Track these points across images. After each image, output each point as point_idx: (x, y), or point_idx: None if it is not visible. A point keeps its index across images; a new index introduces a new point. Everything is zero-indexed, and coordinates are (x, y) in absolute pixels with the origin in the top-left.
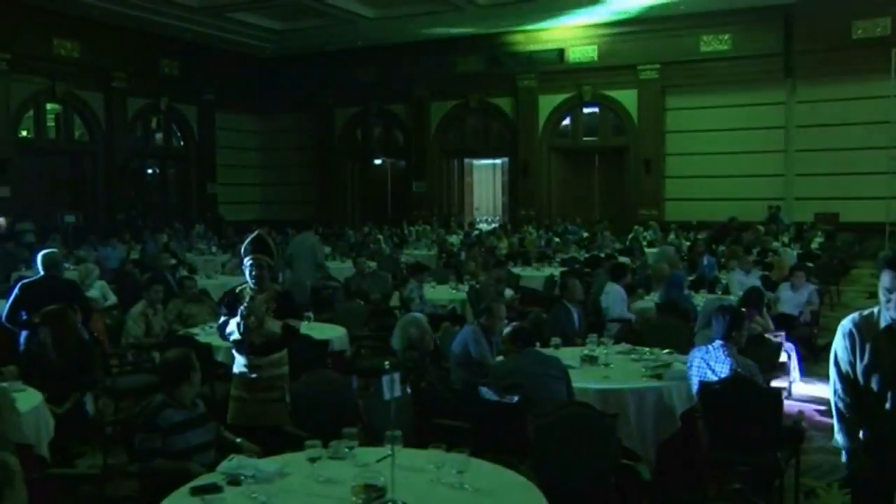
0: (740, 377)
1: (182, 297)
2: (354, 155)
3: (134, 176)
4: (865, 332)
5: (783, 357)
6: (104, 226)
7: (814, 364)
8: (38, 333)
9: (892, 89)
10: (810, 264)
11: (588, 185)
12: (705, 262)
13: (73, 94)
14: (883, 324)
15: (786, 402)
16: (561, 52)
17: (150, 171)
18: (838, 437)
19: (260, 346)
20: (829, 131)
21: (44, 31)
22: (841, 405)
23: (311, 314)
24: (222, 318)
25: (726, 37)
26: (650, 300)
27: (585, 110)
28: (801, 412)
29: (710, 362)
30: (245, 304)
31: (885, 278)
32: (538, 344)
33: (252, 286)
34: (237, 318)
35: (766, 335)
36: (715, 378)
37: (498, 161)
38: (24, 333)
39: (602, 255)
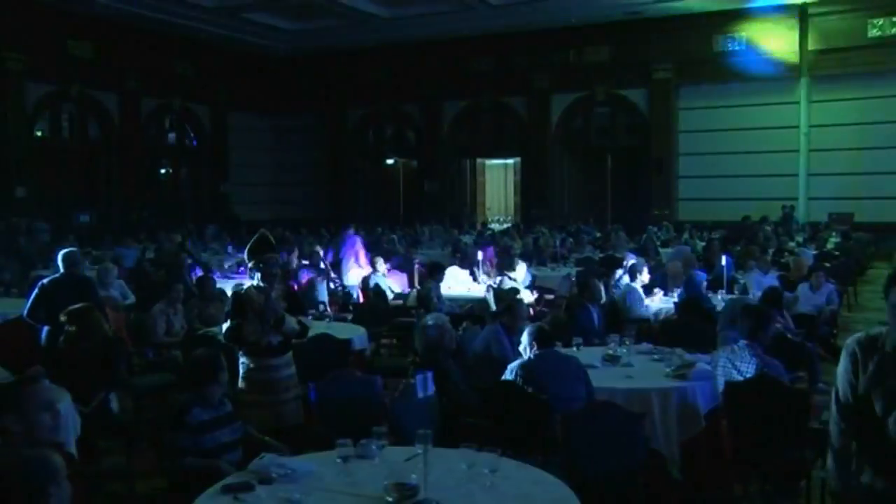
0: (767, 377)
1: (201, 296)
2: (366, 154)
3: (147, 176)
4: (869, 352)
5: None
6: (118, 225)
7: (833, 365)
8: (59, 329)
9: None
10: (827, 264)
11: (600, 185)
12: (723, 261)
13: (88, 94)
14: (890, 346)
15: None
16: (573, 51)
17: (162, 170)
18: (829, 464)
19: (277, 345)
20: (843, 130)
21: (58, 32)
22: (835, 430)
23: (330, 313)
24: (231, 323)
25: (740, 36)
26: (668, 300)
27: (598, 110)
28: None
29: (735, 362)
30: (265, 304)
31: (894, 297)
32: (560, 344)
33: (262, 285)
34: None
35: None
36: (741, 378)
37: (510, 161)
38: (44, 329)
39: (617, 255)
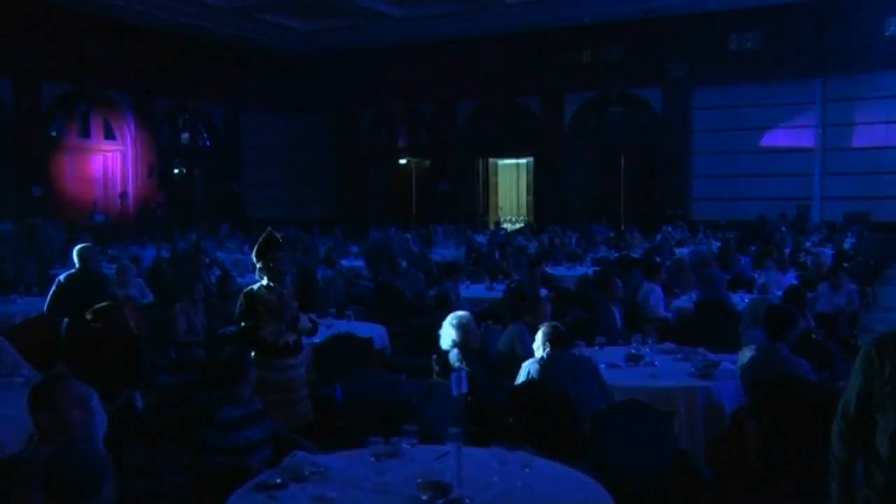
0: (794, 376)
1: (220, 295)
2: (379, 154)
3: (161, 175)
4: (888, 353)
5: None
6: (133, 225)
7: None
8: (78, 322)
9: None
10: (845, 264)
11: (614, 185)
12: (742, 261)
13: (102, 94)
14: None
15: None
16: (587, 50)
17: (176, 170)
18: (831, 484)
19: (293, 344)
20: (860, 129)
21: (73, 33)
22: (837, 444)
23: (351, 311)
24: (247, 324)
25: (756, 33)
26: (687, 299)
27: (612, 109)
28: None
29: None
30: (281, 303)
31: None
32: (584, 343)
33: (272, 285)
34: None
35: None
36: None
37: (523, 160)
38: (64, 321)
39: (634, 254)
